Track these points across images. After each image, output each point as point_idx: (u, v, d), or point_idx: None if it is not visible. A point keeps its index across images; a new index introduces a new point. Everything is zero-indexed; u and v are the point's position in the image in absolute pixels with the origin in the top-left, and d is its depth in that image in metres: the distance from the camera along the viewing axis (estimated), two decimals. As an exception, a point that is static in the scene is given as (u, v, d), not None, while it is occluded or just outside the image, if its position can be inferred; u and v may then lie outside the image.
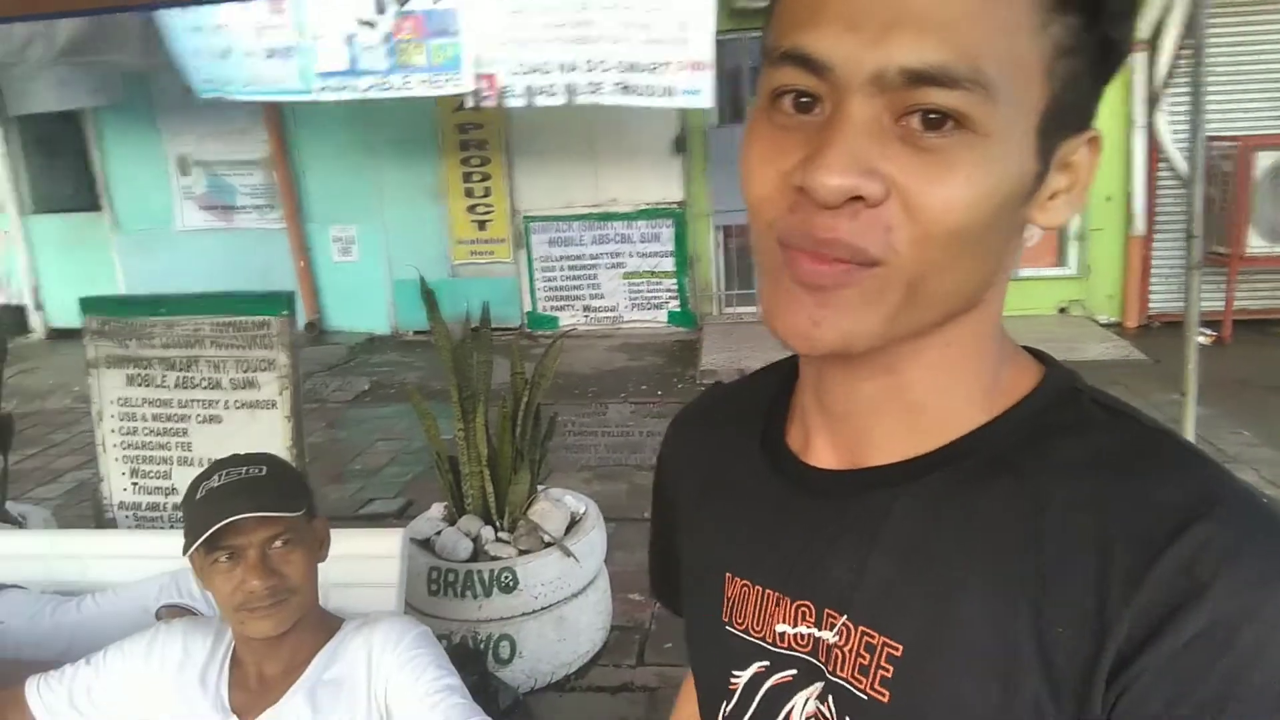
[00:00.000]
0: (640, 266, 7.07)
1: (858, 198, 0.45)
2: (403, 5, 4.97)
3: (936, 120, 0.44)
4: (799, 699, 0.57)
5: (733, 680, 0.61)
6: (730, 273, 7.12)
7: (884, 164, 0.45)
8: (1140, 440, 0.50)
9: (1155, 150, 6.40)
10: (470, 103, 4.72)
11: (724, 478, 0.65)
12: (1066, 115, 0.48)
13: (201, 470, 1.30)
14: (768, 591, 0.59)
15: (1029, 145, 0.47)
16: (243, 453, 1.35)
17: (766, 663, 0.59)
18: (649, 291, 7.11)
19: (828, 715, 0.55)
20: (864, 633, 0.53)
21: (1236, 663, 0.43)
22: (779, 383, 0.65)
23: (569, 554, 2.68)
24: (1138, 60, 6.25)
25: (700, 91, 4.99)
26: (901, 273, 0.47)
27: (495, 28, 4.93)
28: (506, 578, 2.61)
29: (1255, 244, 6.01)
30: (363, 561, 2.11)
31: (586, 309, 7.20)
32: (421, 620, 2.60)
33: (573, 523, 2.88)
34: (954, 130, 0.44)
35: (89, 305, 2.83)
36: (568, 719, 2.60)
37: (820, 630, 0.55)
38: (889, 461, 0.54)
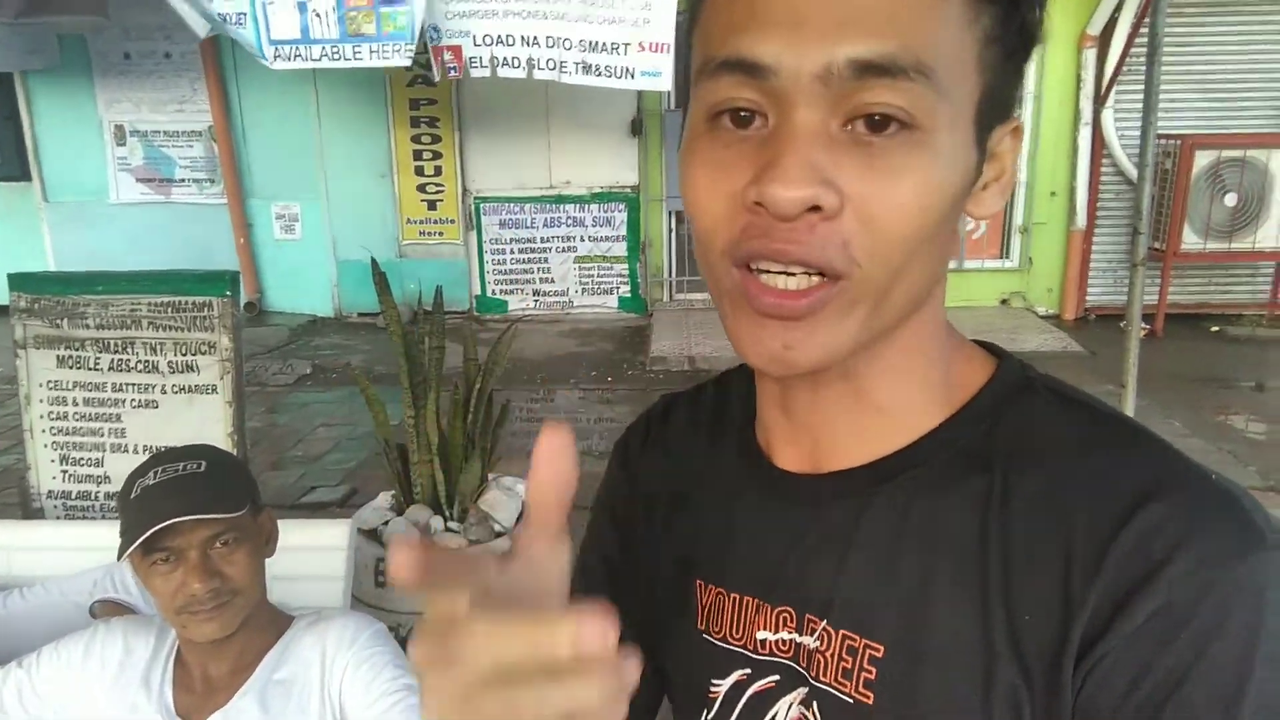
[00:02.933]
0: (592, 250, 7.01)
1: (815, 209, 0.44)
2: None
3: (881, 122, 0.44)
4: (781, 705, 0.57)
5: (713, 688, 0.60)
6: (682, 259, 7.10)
7: (836, 173, 0.44)
8: (1095, 426, 0.50)
9: (1100, 146, 6.55)
10: (436, 75, 4.61)
11: (692, 485, 0.63)
12: (996, 104, 0.48)
13: (136, 465, 1.24)
14: (746, 599, 0.58)
15: (968, 137, 0.47)
16: (180, 445, 1.29)
17: (748, 670, 0.58)
18: (600, 276, 7.06)
19: (810, 718, 0.55)
20: (845, 636, 0.53)
21: (1194, 640, 0.44)
22: (746, 387, 0.64)
23: (521, 544, 2.64)
24: (1088, 56, 6.37)
25: (660, 74, 4.95)
26: (866, 284, 0.46)
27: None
28: (457, 568, 2.56)
29: (1190, 240, 6.20)
30: (308, 553, 2.04)
31: (536, 293, 7.12)
32: (369, 613, 2.55)
33: (524, 512, 2.84)
34: (899, 132, 0.44)
35: (18, 282, 2.69)
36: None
37: (802, 636, 0.55)
38: (855, 465, 0.54)
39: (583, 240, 6.99)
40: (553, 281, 7.09)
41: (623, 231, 6.97)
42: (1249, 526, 0.46)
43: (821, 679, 0.54)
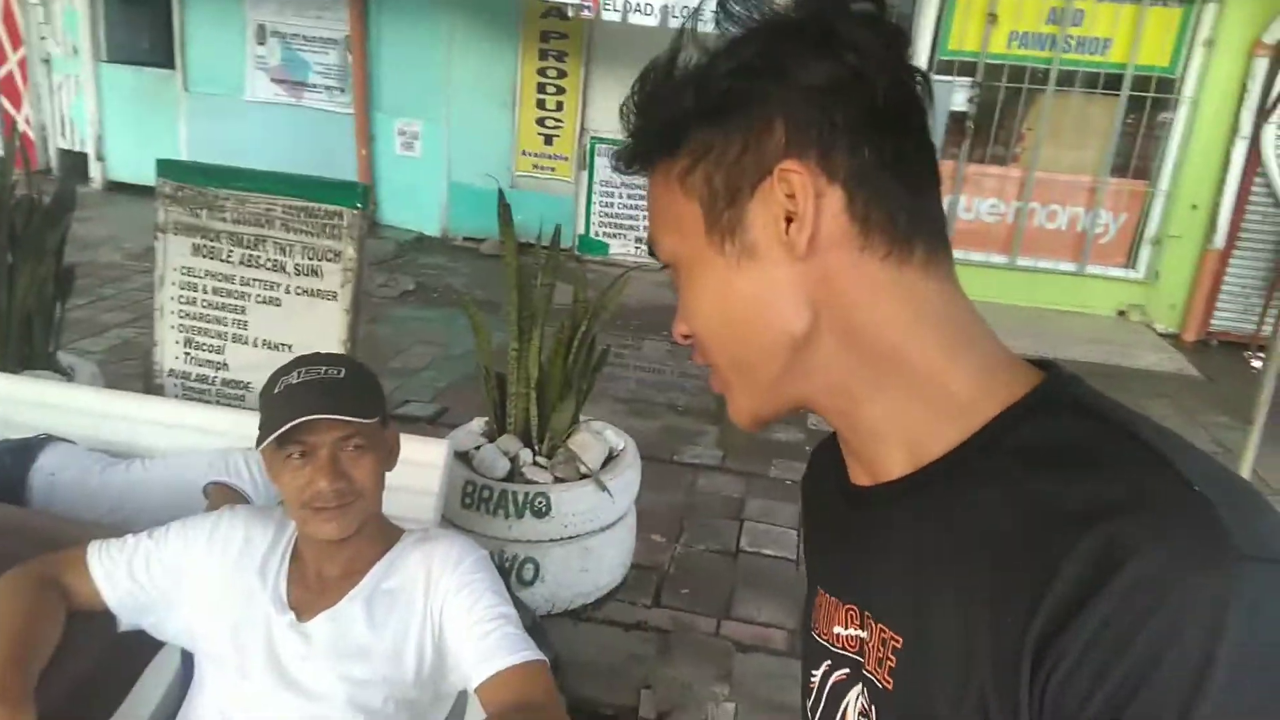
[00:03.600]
0: (701, 205, 6.94)
1: (687, 336, 0.65)
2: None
3: (667, 268, 0.64)
4: (851, 695, 0.64)
5: (811, 679, 0.69)
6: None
7: (681, 312, 0.64)
8: (1092, 441, 0.53)
9: (1255, 163, 6.13)
10: (570, 13, 4.60)
11: (821, 509, 0.74)
12: (726, 196, 0.59)
13: (281, 365, 1.28)
14: (832, 599, 0.67)
15: (704, 247, 0.60)
16: (325, 352, 1.33)
17: (830, 662, 0.67)
18: (706, 232, 7.00)
19: (866, 707, 0.62)
20: (881, 629, 0.60)
21: (1146, 649, 0.45)
22: None
23: (604, 489, 2.68)
24: (1258, 66, 5.94)
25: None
26: (723, 369, 0.63)
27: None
28: (540, 502, 2.62)
29: (1338, 277, 5.78)
30: (405, 466, 2.10)
31: (639, 240, 7.11)
32: (454, 530, 2.63)
33: (610, 457, 2.88)
34: (673, 271, 0.64)
35: (165, 168, 2.81)
36: (580, 647, 2.63)
37: (861, 630, 0.63)
38: (897, 475, 0.61)
39: (693, 194, 6.92)
40: (657, 231, 7.06)
41: (734, 190, 6.87)
42: (1218, 539, 0.46)
43: (868, 668, 0.62)
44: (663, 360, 5.36)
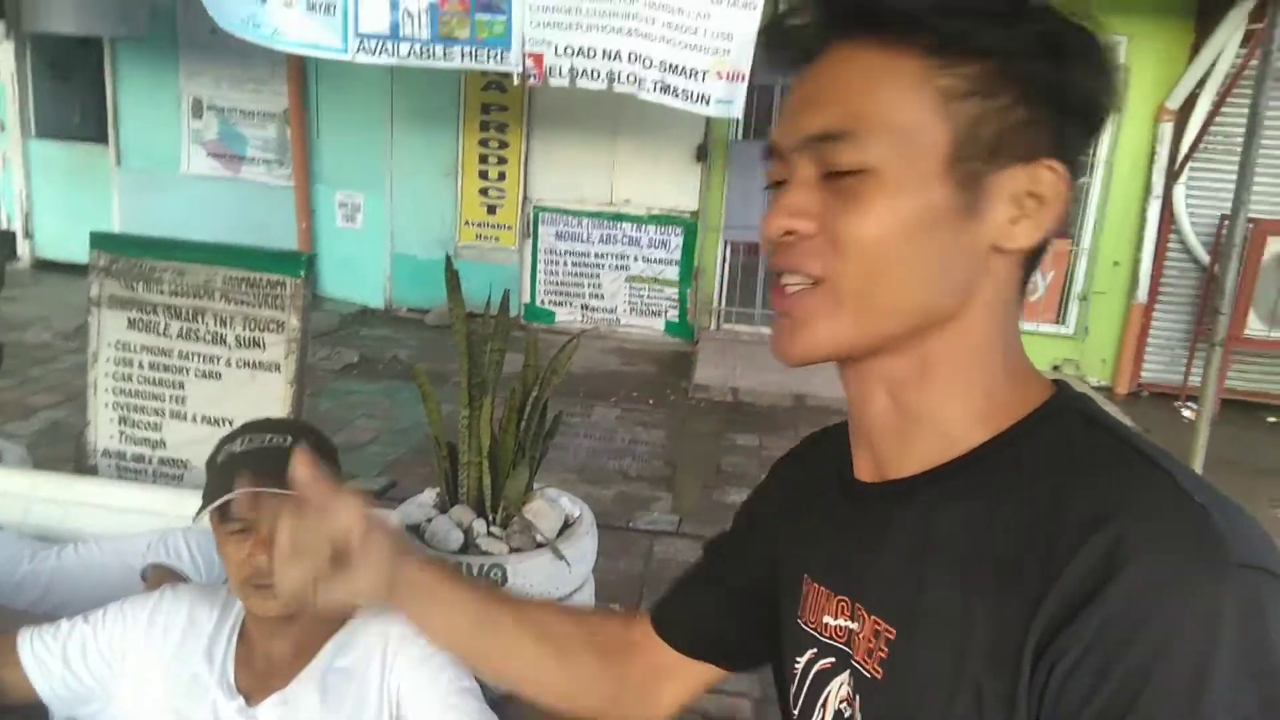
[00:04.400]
0: (644, 271, 7.03)
1: (792, 233, 0.59)
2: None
3: (845, 170, 0.57)
4: (835, 683, 0.66)
5: (795, 666, 0.71)
6: (733, 288, 7.09)
7: (814, 207, 0.59)
8: (1097, 449, 0.56)
9: (1168, 222, 6.45)
10: (516, 81, 4.67)
11: (811, 498, 0.74)
12: (988, 148, 0.56)
13: (229, 432, 1.24)
14: (822, 588, 0.69)
15: (934, 176, 0.56)
16: (274, 417, 1.29)
17: (815, 650, 0.69)
18: (650, 298, 7.07)
19: (850, 694, 0.64)
20: (875, 621, 0.62)
21: (1145, 652, 0.47)
22: None
23: (561, 557, 2.63)
24: (1164, 130, 6.29)
25: (733, 102, 4.98)
26: (839, 285, 0.58)
27: (542, 8, 4.88)
28: (496, 574, 2.54)
29: (1254, 326, 6.07)
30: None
31: (585, 307, 7.14)
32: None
33: (566, 525, 2.83)
34: (857, 175, 0.57)
35: (99, 240, 2.75)
36: (540, 724, 2.54)
37: (852, 622, 0.65)
38: (903, 474, 0.63)
39: (636, 260, 7.01)
40: (602, 298, 7.11)
41: (677, 256, 6.97)
42: (1216, 546, 0.48)
43: (856, 658, 0.63)
44: (612, 427, 5.33)
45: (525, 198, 7.05)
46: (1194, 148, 6.18)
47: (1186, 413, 6.27)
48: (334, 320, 6.92)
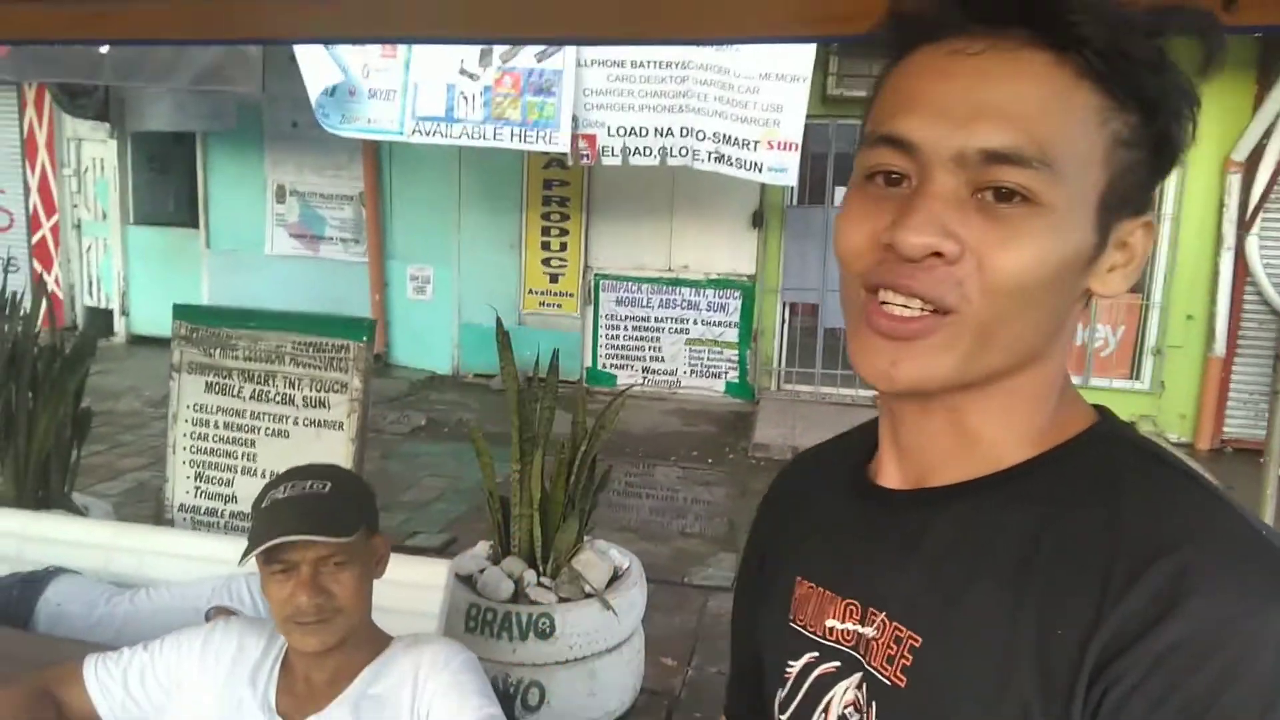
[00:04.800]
0: (704, 334, 7.11)
1: (937, 254, 0.53)
2: (505, 62, 5.21)
3: (1007, 194, 0.53)
4: (839, 688, 0.64)
5: (787, 669, 0.68)
6: (792, 349, 7.11)
7: (960, 229, 0.53)
8: (1153, 475, 0.56)
9: (1243, 273, 6.27)
10: (570, 161, 4.89)
11: (811, 506, 0.73)
12: (1124, 198, 0.55)
13: (272, 477, 1.34)
14: (825, 591, 0.67)
15: (1088, 220, 0.54)
16: (316, 463, 1.38)
17: (816, 654, 0.66)
18: (710, 360, 7.14)
19: (861, 701, 0.62)
20: (895, 627, 0.60)
21: (1214, 677, 0.46)
22: (867, 434, 0.73)
23: (608, 607, 2.66)
24: (1232, 181, 6.17)
25: (786, 170, 5.12)
26: (972, 321, 0.54)
27: (594, 91, 5.12)
28: (544, 623, 2.59)
29: (1342, 378, 5.80)
30: (407, 589, 2.12)
31: (646, 370, 7.24)
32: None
33: (615, 577, 2.87)
34: (1021, 203, 0.53)
35: (181, 312, 2.96)
36: (589, 778, 2.55)
37: (863, 626, 0.63)
38: (942, 484, 0.61)
39: (695, 324, 7.11)
40: (663, 360, 7.21)
41: (736, 318, 7.05)
42: None
43: (873, 664, 0.61)
44: (672, 485, 5.36)
45: (586, 265, 7.25)
46: (1264, 198, 6.04)
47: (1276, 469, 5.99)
48: (404, 386, 7.16)
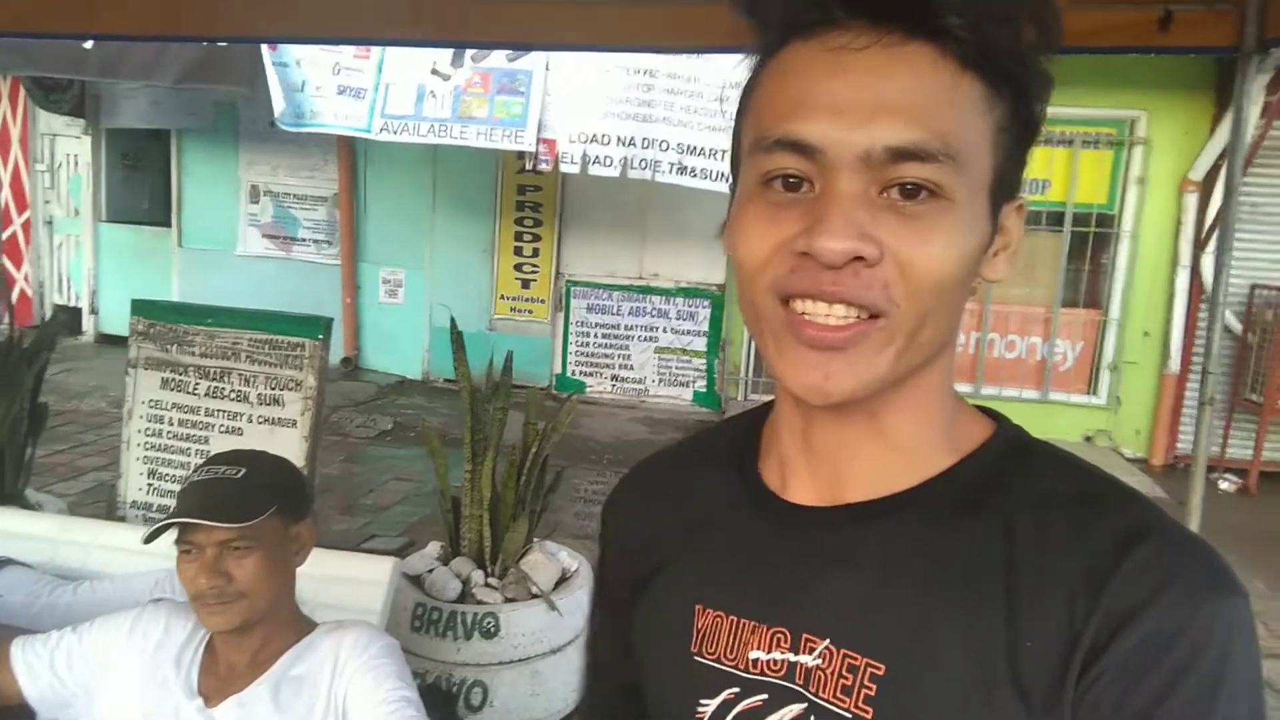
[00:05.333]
0: (673, 343, 7.18)
1: (858, 258, 0.52)
2: (477, 62, 5.26)
3: (913, 190, 0.52)
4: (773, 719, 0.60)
5: (700, 708, 0.63)
6: (759, 359, 7.17)
7: (876, 230, 0.52)
8: (1087, 483, 0.58)
9: (1198, 291, 6.41)
10: (528, 164, 4.94)
11: (699, 519, 0.67)
12: (1007, 183, 0.57)
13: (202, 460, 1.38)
14: (742, 621, 0.62)
15: (984, 208, 0.56)
16: (244, 449, 1.42)
17: (737, 689, 0.61)
18: (678, 368, 7.21)
19: None
20: (846, 655, 0.57)
21: (1173, 665, 0.50)
22: (747, 428, 0.70)
23: (553, 608, 2.71)
24: (1188, 201, 6.32)
25: (752, 180, 5.17)
26: (902, 323, 0.54)
27: (561, 95, 5.17)
28: (489, 623, 2.64)
29: (1291, 397, 5.95)
30: (352, 585, 2.16)
31: (614, 378, 7.30)
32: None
33: (563, 578, 2.91)
34: (929, 198, 0.52)
35: (139, 307, 2.99)
36: (530, 775, 2.59)
37: (798, 655, 0.59)
38: (865, 498, 0.59)
39: (665, 332, 7.18)
40: (631, 369, 7.27)
41: (705, 327, 7.12)
42: (1225, 571, 0.53)
43: (821, 695, 0.57)
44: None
45: (558, 272, 7.30)
46: (1218, 218, 6.18)
47: (1224, 484, 6.13)
48: (372, 390, 7.17)
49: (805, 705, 0.58)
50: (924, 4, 0.52)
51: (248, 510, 1.28)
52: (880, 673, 0.55)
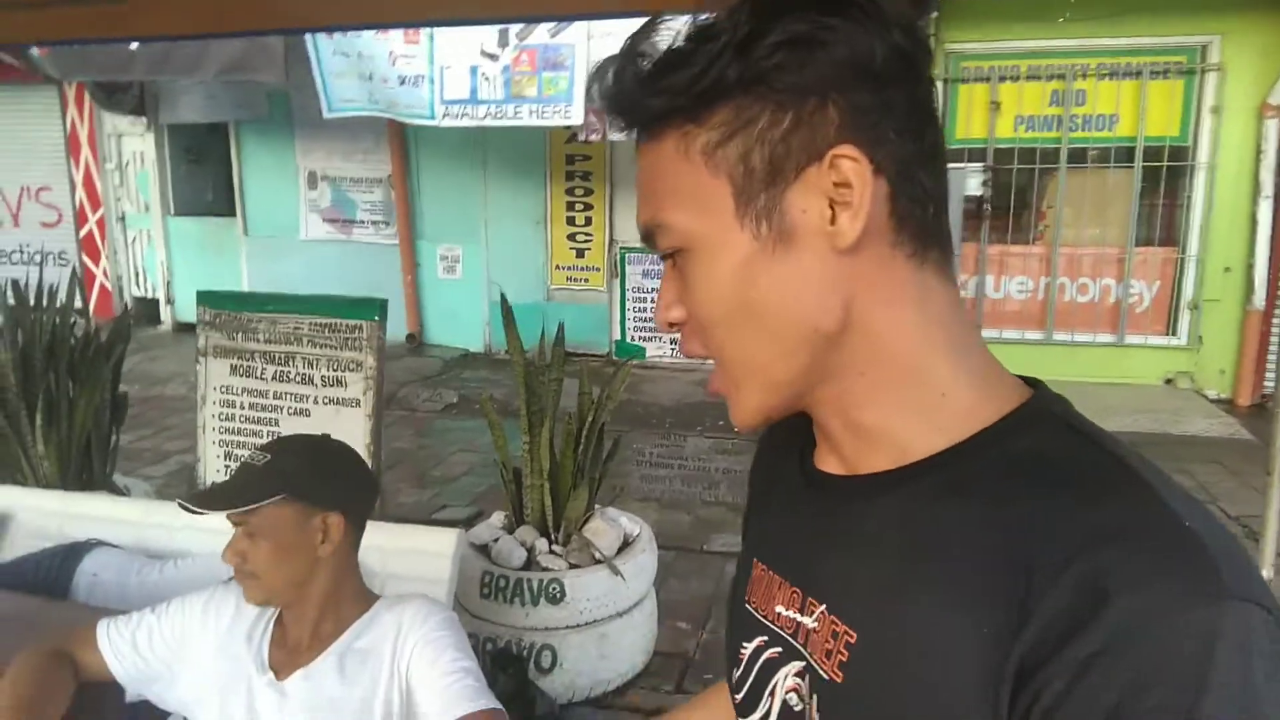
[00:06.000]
0: (730, 304, 7.13)
1: (674, 324, 0.62)
2: (522, 40, 5.26)
3: (671, 254, 0.60)
4: (782, 673, 0.64)
5: (742, 650, 0.69)
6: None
7: (680, 295, 0.61)
8: (1088, 465, 0.53)
9: (1282, 222, 6.09)
10: (581, 136, 4.93)
11: (779, 474, 0.73)
12: (764, 177, 0.56)
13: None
14: (775, 576, 0.67)
15: (730, 228, 0.57)
16: (297, 435, 1.47)
17: (765, 637, 0.66)
18: (737, 329, 7.17)
19: (803, 690, 0.62)
20: (833, 621, 0.59)
21: (1132, 682, 0.45)
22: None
23: (617, 572, 2.75)
24: (1269, 127, 5.99)
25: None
26: (722, 359, 0.61)
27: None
28: (554, 589, 2.69)
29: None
30: (420, 557, 2.23)
31: (673, 341, 7.29)
32: (472, 622, 2.71)
33: (626, 543, 2.95)
34: (681, 254, 0.59)
35: (205, 298, 3.09)
36: (601, 734, 2.65)
37: (802, 615, 0.63)
38: (870, 471, 0.61)
39: (722, 293, 7.13)
40: (690, 332, 7.25)
41: (762, 287, 7.05)
42: (1209, 577, 0.46)
43: (814, 656, 0.61)
44: (700, 455, 5.43)
45: (611, 239, 7.30)
46: (1304, 142, 5.85)
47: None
48: (437, 365, 7.31)
49: (804, 664, 0.62)
50: (628, 107, 0.59)
51: (243, 498, 1.30)
52: (853, 641, 0.57)
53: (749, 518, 0.79)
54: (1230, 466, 5.03)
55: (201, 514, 1.30)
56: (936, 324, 0.58)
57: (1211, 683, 0.44)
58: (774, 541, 0.69)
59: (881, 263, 0.56)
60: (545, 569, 2.76)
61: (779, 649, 0.65)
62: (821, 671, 0.59)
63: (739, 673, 0.69)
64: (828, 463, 0.65)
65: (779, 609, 0.65)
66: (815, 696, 0.60)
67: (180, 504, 1.30)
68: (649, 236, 0.61)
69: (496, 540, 2.88)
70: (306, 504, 1.34)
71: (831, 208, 0.55)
